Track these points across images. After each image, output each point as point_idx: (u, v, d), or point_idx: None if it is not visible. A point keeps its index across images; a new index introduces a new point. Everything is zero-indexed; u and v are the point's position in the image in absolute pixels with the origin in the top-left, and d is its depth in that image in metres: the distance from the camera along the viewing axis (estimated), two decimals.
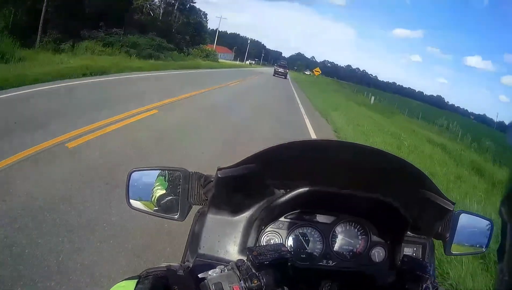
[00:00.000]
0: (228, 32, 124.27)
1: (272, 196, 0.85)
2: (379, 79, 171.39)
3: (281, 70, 37.92)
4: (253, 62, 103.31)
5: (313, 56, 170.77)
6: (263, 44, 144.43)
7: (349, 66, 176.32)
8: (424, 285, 0.78)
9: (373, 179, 0.85)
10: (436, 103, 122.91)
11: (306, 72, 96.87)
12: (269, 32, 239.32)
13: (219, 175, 0.77)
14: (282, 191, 0.86)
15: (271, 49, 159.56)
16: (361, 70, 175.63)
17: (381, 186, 0.85)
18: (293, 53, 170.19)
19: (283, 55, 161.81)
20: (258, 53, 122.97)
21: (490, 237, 0.97)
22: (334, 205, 0.92)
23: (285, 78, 36.01)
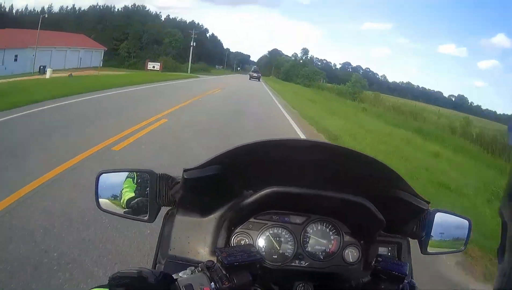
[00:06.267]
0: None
1: (240, 196, 0.84)
2: (389, 80, 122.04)
3: (255, 74, 49.83)
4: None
5: (295, 54, 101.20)
6: (212, 34, 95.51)
7: (347, 63, 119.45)
8: (400, 285, 0.77)
9: (344, 179, 0.84)
10: (460, 106, 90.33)
11: None
12: (232, 36, 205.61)
13: (185, 177, 0.77)
14: (250, 191, 0.84)
15: (233, 51, 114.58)
16: (363, 68, 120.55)
17: (353, 186, 0.84)
18: (265, 53, 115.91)
19: (251, 58, 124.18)
20: (212, 54, 79.95)
21: (468, 236, 0.96)
22: (305, 205, 0.90)
23: (259, 80, 46.13)
